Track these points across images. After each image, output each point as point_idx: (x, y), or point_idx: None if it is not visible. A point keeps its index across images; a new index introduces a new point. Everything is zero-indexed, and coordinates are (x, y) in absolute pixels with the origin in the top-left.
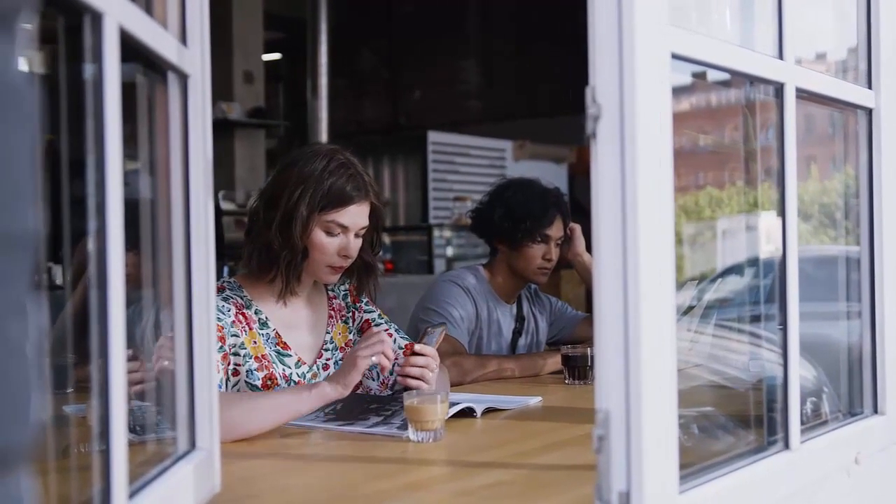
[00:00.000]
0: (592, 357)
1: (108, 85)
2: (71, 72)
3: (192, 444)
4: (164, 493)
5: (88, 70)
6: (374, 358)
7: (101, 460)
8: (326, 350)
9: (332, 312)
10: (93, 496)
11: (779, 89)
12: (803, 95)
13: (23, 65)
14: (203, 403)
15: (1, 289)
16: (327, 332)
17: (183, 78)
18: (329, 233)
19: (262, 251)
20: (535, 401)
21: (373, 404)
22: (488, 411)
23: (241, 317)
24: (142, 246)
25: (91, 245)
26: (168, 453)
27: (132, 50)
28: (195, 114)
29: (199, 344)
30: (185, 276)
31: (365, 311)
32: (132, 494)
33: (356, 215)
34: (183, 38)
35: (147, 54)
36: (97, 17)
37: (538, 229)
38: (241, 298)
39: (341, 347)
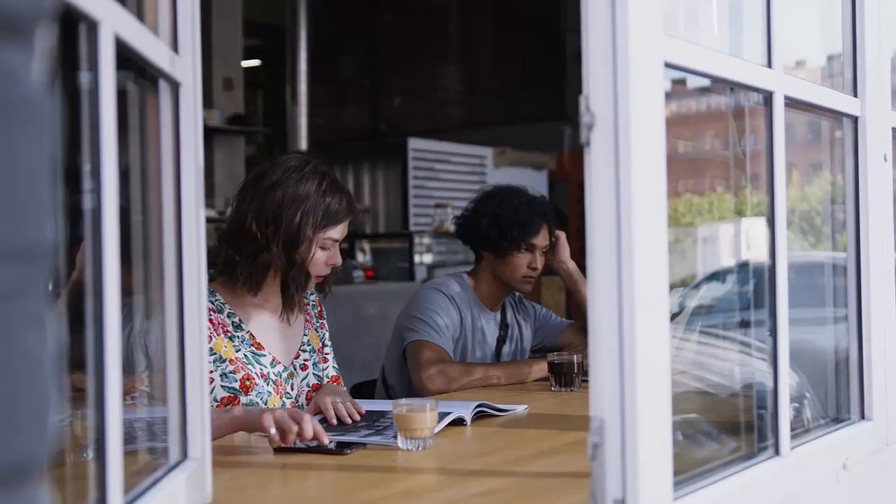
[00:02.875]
0: (579, 364)
1: (104, 92)
2: (65, 79)
3: (184, 454)
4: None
5: (83, 77)
6: (272, 431)
7: (97, 470)
8: (304, 351)
9: (308, 317)
10: None
11: (768, 97)
12: (790, 103)
13: (40, 75)
14: (195, 413)
15: (20, 300)
16: (304, 335)
17: (175, 86)
18: (323, 248)
19: (261, 270)
20: (521, 408)
21: (362, 421)
22: (478, 417)
23: (209, 322)
24: (132, 254)
25: (86, 254)
26: (159, 463)
27: (124, 57)
28: (187, 122)
29: (191, 354)
30: (177, 287)
31: (325, 329)
32: None
33: (345, 228)
34: (175, 46)
35: (140, 62)
36: (93, 25)
37: (524, 238)
38: (213, 303)
39: (318, 350)
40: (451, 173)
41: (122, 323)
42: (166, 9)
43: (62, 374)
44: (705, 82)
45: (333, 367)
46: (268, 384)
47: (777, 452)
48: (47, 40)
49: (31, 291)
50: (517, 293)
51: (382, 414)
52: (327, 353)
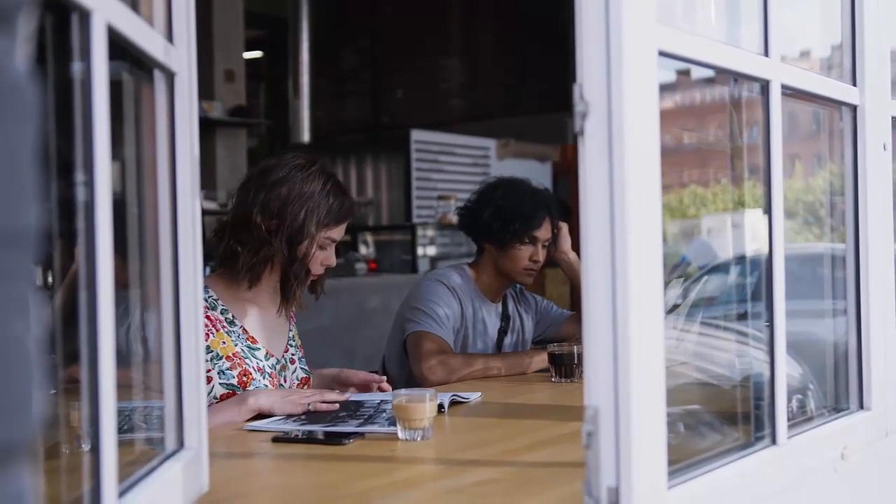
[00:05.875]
0: (579, 355)
1: (97, 83)
2: (57, 69)
3: (181, 444)
4: (153, 493)
5: (76, 68)
6: (310, 407)
7: (91, 460)
8: (291, 345)
9: (292, 315)
10: (82, 496)
11: (764, 86)
12: (788, 92)
13: (23, 63)
14: (191, 403)
15: (4, 284)
16: (290, 330)
17: (170, 76)
18: (321, 247)
19: (262, 263)
20: (476, 396)
21: (342, 412)
22: (453, 404)
23: (205, 319)
24: (128, 247)
25: (78, 246)
26: (155, 452)
27: (118, 48)
28: (182, 112)
29: (187, 344)
30: (173, 277)
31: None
32: (121, 494)
33: (343, 230)
34: (169, 36)
35: (134, 52)
36: (85, 15)
37: (527, 231)
38: (206, 300)
39: (300, 346)
40: (454, 165)
41: (122, 317)
42: None
43: (47, 358)
44: (710, 73)
45: (303, 368)
46: (264, 378)
47: (774, 442)
48: (29, 27)
49: (15, 276)
50: (518, 285)
51: (360, 404)
52: (294, 357)
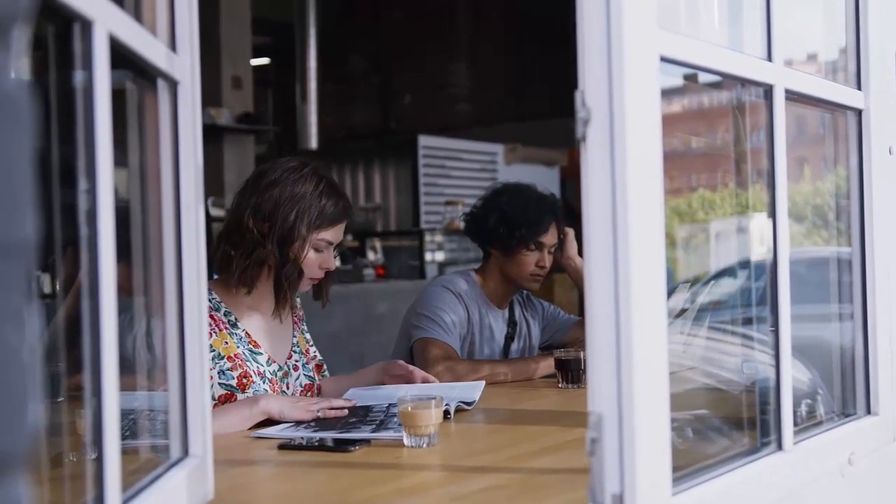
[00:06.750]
0: (585, 360)
1: (99, 92)
2: (60, 79)
3: (185, 451)
4: (158, 501)
5: (78, 77)
6: (319, 413)
7: (95, 468)
8: (295, 352)
9: (296, 320)
10: None
11: (768, 91)
12: (792, 97)
13: (18, 73)
14: (196, 410)
15: (0, 295)
16: (294, 336)
17: (173, 85)
18: (317, 249)
19: (256, 266)
20: (480, 386)
21: (351, 418)
22: (459, 410)
23: (209, 319)
24: (132, 254)
25: (82, 254)
26: (160, 460)
27: (121, 56)
28: (185, 120)
29: (192, 351)
30: (177, 285)
31: (307, 332)
32: (125, 502)
33: (341, 232)
34: (172, 45)
35: (137, 61)
36: (87, 25)
37: (533, 237)
38: (210, 301)
39: (305, 352)
40: (461, 170)
41: (129, 325)
42: (164, 8)
43: (53, 367)
44: (717, 77)
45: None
46: (264, 382)
47: (780, 447)
48: (25, 38)
49: (10, 286)
50: (525, 290)
51: (369, 409)
52: (314, 350)
